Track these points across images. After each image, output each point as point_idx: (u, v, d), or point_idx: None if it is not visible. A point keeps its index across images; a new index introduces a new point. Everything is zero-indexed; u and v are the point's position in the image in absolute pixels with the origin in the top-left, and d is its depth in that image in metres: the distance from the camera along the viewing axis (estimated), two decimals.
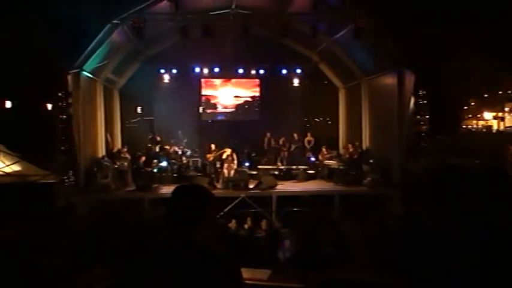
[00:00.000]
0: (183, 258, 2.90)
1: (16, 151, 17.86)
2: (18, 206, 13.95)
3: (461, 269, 6.62)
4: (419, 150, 16.66)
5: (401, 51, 16.28)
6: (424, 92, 16.44)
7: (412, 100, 16.62)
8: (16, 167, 17.63)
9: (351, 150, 20.05)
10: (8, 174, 17.42)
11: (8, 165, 17.58)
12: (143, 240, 3.18)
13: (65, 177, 16.35)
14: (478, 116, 40.03)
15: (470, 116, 39.97)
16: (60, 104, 16.15)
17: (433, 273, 6.53)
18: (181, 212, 3.05)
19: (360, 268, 7.32)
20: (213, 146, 19.78)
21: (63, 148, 16.24)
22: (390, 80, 17.86)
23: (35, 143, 16.98)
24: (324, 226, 11.24)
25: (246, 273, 3.34)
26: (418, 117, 16.71)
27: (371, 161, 18.64)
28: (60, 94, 16.06)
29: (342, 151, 21.97)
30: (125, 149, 19.76)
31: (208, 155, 19.69)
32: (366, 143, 20.57)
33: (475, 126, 40.52)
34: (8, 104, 18.31)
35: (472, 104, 38.55)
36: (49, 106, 17.87)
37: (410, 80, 16.57)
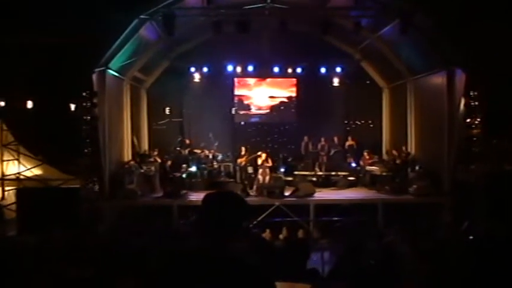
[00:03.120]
0: (217, 270, 2.85)
1: (37, 154, 18.11)
2: (41, 212, 14.16)
3: None
4: (471, 156, 16.35)
5: (453, 48, 16.02)
6: (476, 93, 16.12)
7: (463, 101, 16.34)
8: (37, 171, 17.92)
9: (395, 155, 19.82)
10: (28, 178, 17.70)
11: (28, 169, 17.89)
12: (173, 251, 3.14)
13: (89, 182, 16.48)
14: None
15: None
16: (84, 104, 16.23)
17: None
18: (213, 221, 3.00)
19: (408, 283, 7.21)
20: (243, 149, 19.78)
21: (87, 151, 16.33)
22: (439, 80, 17.59)
23: (57, 146, 17.15)
24: (368, 237, 11.10)
25: (283, 287, 3.28)
26: (469, 120, 16.39)
27: (417, 167, 18.36)
28: (84, 94, 16.15)
29: (385, 156, 21.76)
30: (155, 153, 19.87)
31: (239, 160, 19.72)
32: (412, 147, 20.26)
33: None
34: (30, 104, 18.49)
35: None
36: (72, 106, 17.99)
37: (461, 79, 16.31)
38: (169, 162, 19.30)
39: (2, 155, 17.51)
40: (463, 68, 16.11)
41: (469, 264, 7.94)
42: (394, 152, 20.10)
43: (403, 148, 20.03)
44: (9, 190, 17.64)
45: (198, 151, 20.78)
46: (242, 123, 23.95)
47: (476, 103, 16.19)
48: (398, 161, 19.27)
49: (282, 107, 23.88)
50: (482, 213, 14.53)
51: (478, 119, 16.31)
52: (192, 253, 3.00)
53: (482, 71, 15.51)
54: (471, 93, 16.16)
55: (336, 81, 23.25)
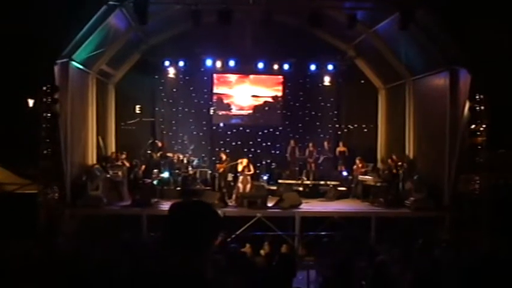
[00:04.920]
0: None
1: None
2: None
3: None
4: (475, 166, 16.39)
5: (458, 47, 16.07)
6: (482, 97, 16.13)
7: (467, 106, 16.37)
8: None
9: (391, 163, 19.85)
10: None
11: None
12: (141, 267, 3.13)
13: (48, 188, 16.33)
14: None
15: None
16: (44, 99, 16.03)
17: None
18: (180, 235, 2.96)
19: None
20: (224, 156, 19.75)
21: (46, 152, 16.16)
22: (441, 81, 17.70)
23: (13, 146, 16.98)
24: (358, 255, 11.13)
25: None
26: (474, 126, 16.39)
27: (415, 177, 18.40)
28: (44, 88, 15.97)
29: (380, 165, 21.82)
30: (124, 156, 19.75)
31: (218, 166, 19.67)
32: (409, 155, 20.36)
33: None
34: None
35: None
36: (30, 102, 17.82)
37: (465, 81, 16.37)
38: (143, 167, 19.19)
39: None
40: (468, 68, 16.16)
41: (469, 287, 7.97)
42: (390, 160, 20.07)
43: (399, 156, 19.99)
44: None
45: (171, 155, 20.70)
46: (221, 124, 23.85)
47: (482, 108, 16.16)
48: (394, 171, 19.27)
49: (266, 108, 23.86)
50: (485, 230, 14.60)
51: (484, 126, 16.30)
52: (161, 271, 2.97)
53: (489, 72, 15.55)
54: (476, 97, 16.16)
55: (326, 80, 23.32)
